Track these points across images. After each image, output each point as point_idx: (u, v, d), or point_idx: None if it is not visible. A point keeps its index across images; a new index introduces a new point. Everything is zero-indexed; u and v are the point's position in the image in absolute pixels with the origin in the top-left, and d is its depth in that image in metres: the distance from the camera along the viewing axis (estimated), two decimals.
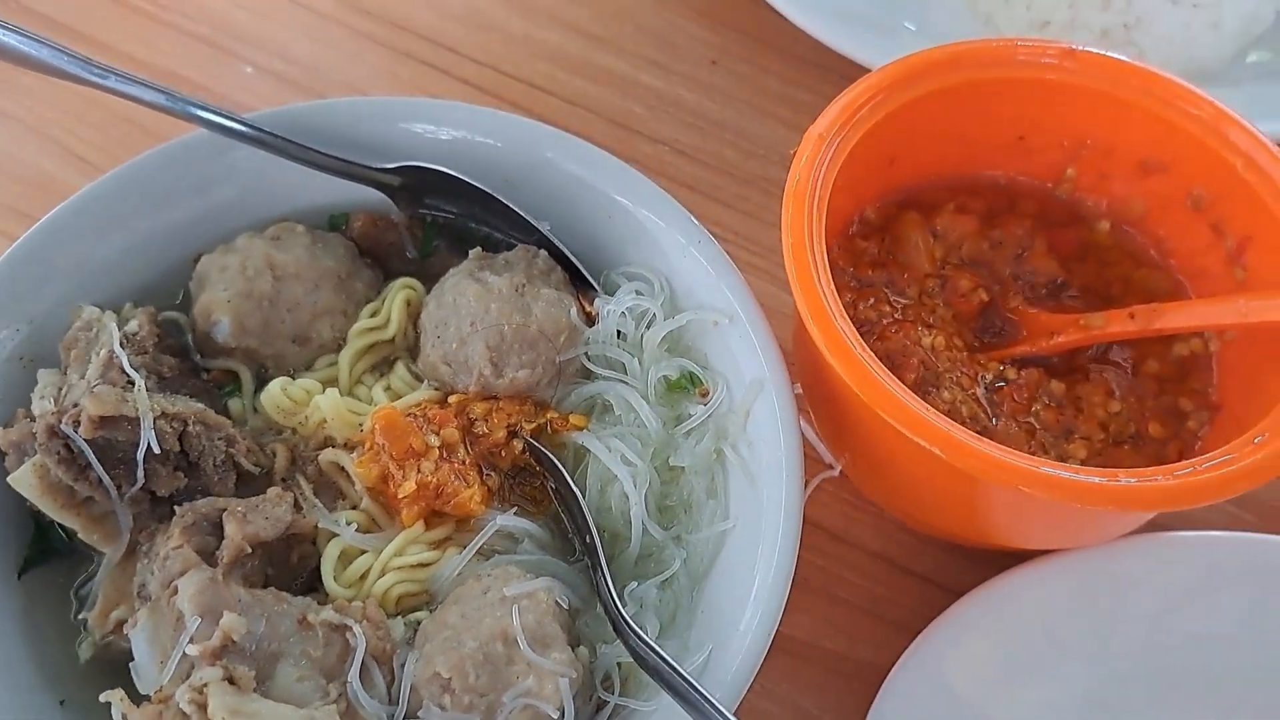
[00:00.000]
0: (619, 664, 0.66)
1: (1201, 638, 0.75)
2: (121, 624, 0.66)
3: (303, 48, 1.09)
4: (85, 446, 0.65)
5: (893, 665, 0.74)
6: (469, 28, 1.09)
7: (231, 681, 0.58)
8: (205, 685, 0.57)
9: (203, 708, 0.57)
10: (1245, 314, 0.70)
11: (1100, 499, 0.62)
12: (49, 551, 0.71)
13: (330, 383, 0.75)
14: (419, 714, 0.62)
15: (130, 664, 0.63)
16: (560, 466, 0.72)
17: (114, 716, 0.59)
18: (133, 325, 0.72)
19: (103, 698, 0.59)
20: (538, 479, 0.74)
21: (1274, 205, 0.72)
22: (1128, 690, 0.73)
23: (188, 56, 1.08)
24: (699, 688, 0.59)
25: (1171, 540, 0.76)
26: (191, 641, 0.59)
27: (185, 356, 0.76)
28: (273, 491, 0.68)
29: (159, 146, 0.78)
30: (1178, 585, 0.76)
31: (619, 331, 0.75)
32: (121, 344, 0.70)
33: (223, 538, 0.65)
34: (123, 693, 0.59)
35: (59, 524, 0.69)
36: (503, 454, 0.73)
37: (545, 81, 1.06)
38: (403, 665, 0.64)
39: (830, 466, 0.85)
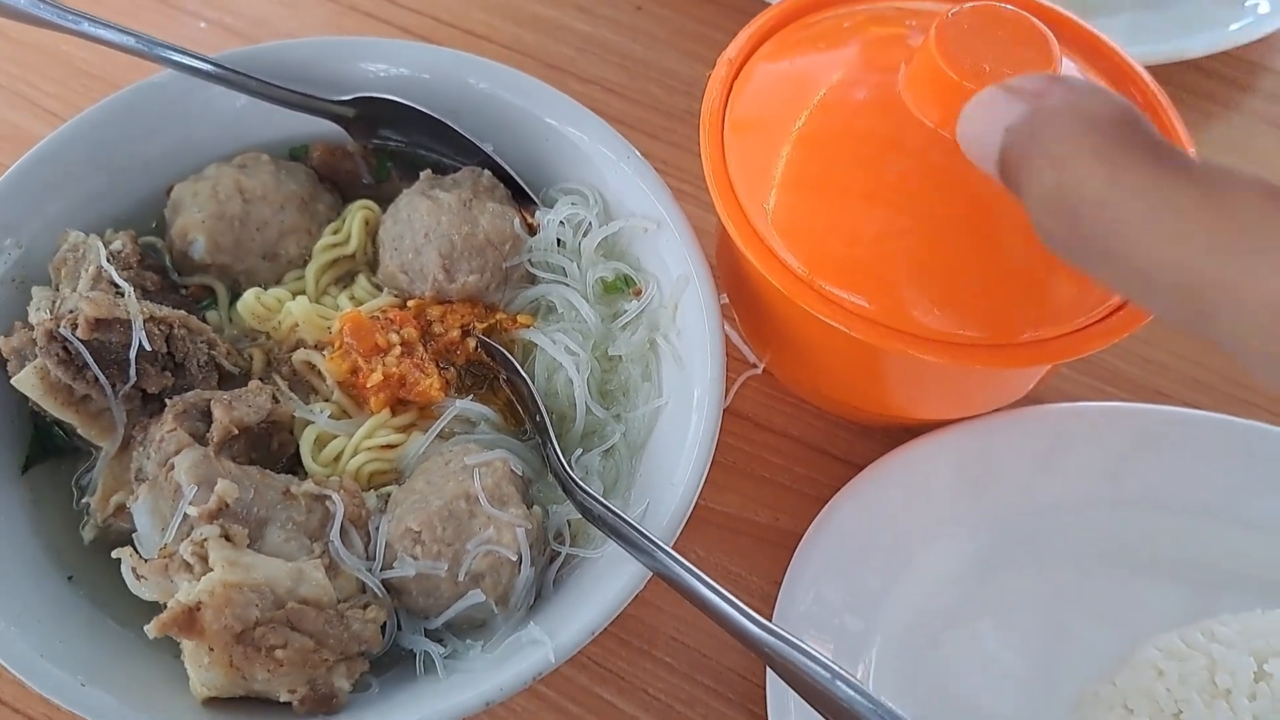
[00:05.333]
0: (569, 521, 0.75)
1: (1075, 496, 0.85)
2: (121, 507, 0.74)
3: (251, 3, 1.16)
4: (82, 348, 0.72)
5: None
6: None
7: (227, 538, 0.67)
8: (205, 540, 0.65)
9: (203, 559, 0.65)
10: None
11: (978, 358, 0.73)
12: (51, 449, 0.78)
13: (299, 294, 0.83)
14: (394, 564, 0.70)
15: (133, 535, 0.71)
16: (511, 358, 0.81)
17: (124, 572, 0.67)
18: (116, 244, 0.79)
19: (115, 554, 0.67)
20: (491, 372, 0.82)
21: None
22: (1009, 545, 0.84)
23: (141, 14, 1.14)
24: (640, 528, 0.68)
25: (1046, 411, 0.87)
26: (191, 505, 0.67)
27: (164, 275, 0.83)
28: (253, 384, 0.76)
29: (131, 86, 0.85)
30: (1051, 450, 0.85)
31: (558, 240, 0.84)
32: (108, 260, 0.77)
33: (210, 424, 0.73)
34: (131, 549, 0.67)
35: (58, 423, 0.76)
36: (458, 351, 0.81)
37: (482, 29, 1.14)
38: (377, 528, 0.72)
39: (754, 365, 0.95)
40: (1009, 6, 0.73)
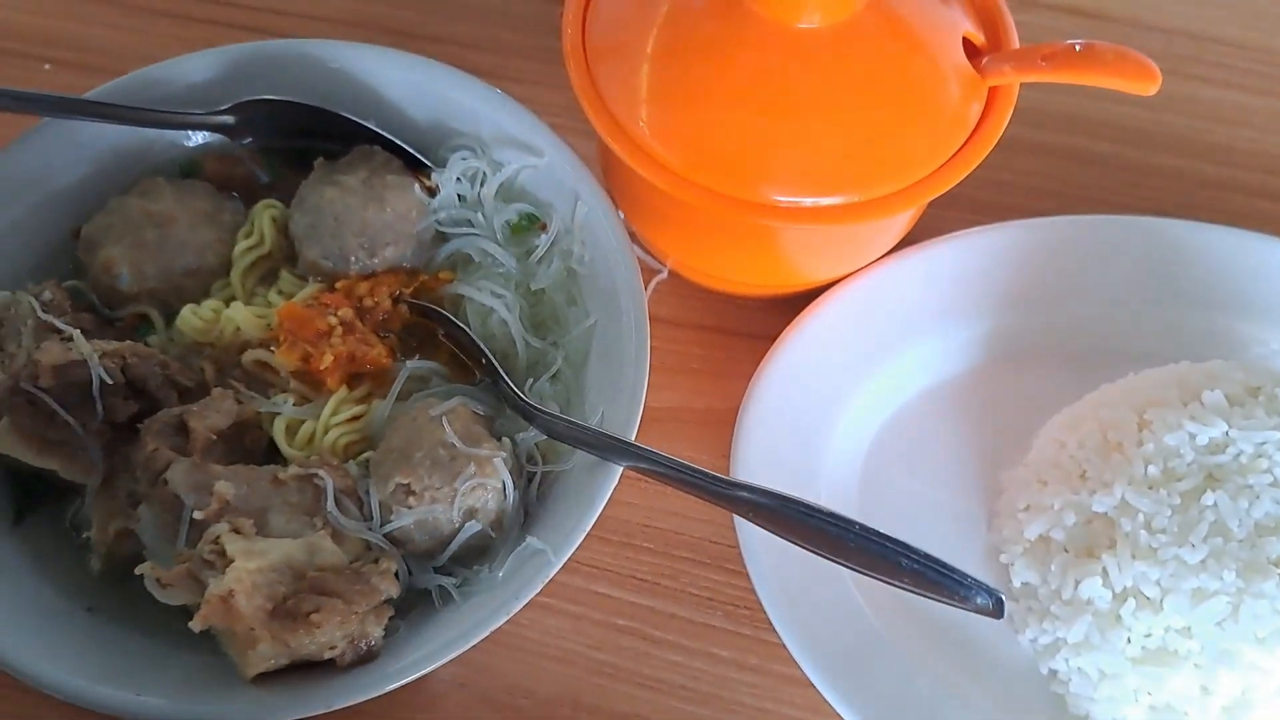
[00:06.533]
0: (536, 445, 0.82)
1: (961, 311, 0.95)
2: (120, 533, 0.77)
3: (89, 33, 1.16)
4: (46, 396, 0.76)
5: None
6: None
7: (237, 532, 0.72)
8: (218, 537, 0.71)
9: (221, 554, 0.71)
10: None
11: (848, 215, 0.82)
12: (38, 498, 0.82)
13: (230, 301, 0.87)
14: (392, 518, 0.77)
15: (144, 553, 0.76)
16: (444, 313, 0.87)
17: (148, 585, 0.72)
18: (46, 295, 0.82)
19: (138, 570, 0.72)
20: (429, 331, 0.88)
21: None
22: (917, 370, 0.94)
23: None
24: (603, 430, 0.76)
25: (920, 248, 0.96)
26: (196, 511, 0.72)
27: (96, 313, 0.86)
28: (216, 391, 0.81)
29: (12, 141, 0.87)
30: (932, 279, 0.95)
31: (459, 195, 0.90)
32: (44, 311, 0.80)
33: (186, 440, 0.78)
34: (152, 564, 0.72)
35: (38, 473, 0.79)
36: (393, 319, 0.87)
37: (321, 9, 1.17)
38: (367, 491, 0.78)
39: (660, 270, 1.02)
40: None
